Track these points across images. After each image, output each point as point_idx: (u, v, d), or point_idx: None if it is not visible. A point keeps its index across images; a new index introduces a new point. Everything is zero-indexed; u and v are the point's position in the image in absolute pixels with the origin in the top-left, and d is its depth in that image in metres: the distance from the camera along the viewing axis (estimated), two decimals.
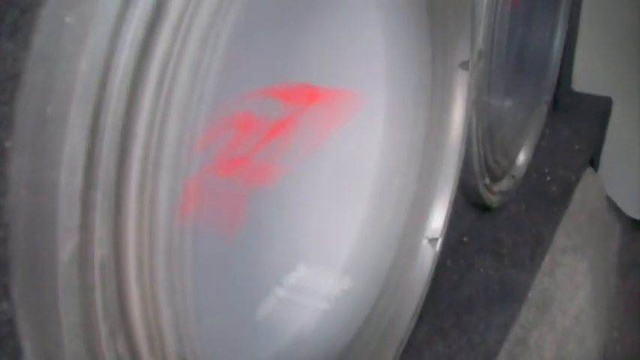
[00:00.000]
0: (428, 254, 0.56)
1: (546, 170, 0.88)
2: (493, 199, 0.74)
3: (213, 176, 0.38)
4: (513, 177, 0.81)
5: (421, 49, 0.52)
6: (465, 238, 0.72)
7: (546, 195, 0.84)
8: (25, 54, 0.22)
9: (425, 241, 0.57)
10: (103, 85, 0.22)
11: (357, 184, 0.53)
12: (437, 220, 0.57)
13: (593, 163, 1.02)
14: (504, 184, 0.78)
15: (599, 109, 1.05)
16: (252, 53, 0.37)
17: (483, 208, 0.75)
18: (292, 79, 0.44)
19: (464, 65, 0.56)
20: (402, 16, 0.50)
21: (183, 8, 0.25)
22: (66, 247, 0.22)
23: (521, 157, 0.84)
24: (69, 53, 0.22)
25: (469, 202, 0.73)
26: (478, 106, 0.63)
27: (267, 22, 0.38)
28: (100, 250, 0.23)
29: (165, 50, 0.24)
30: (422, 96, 0.54)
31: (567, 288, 0.75)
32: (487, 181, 0.70)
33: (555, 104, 1.01)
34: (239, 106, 0.39)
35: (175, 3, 0.25)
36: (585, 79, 1.07)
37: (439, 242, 0.57)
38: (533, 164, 0.86)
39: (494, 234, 0.74)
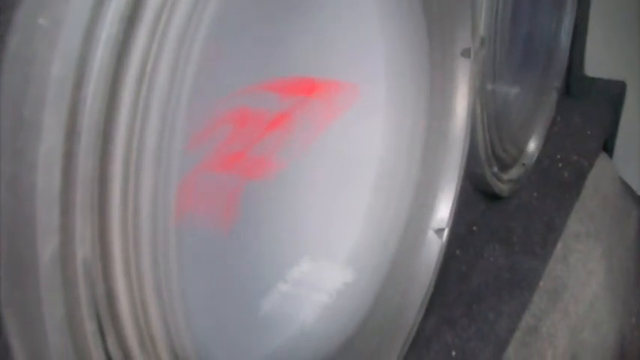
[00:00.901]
0: (434, 245, 0.56)
1: (558, 157, 0.87)
2: (503, 188, 0.74)
3: (210, 172, 0.38)
4: (524, 165, 0.80)
5: (419, 38, 0.52)
6: (474, 228, 0.71)
7: (558, 182, 0.83)
8: (1, 56, 0.22)
9: (431, 232, 0.56)
10: (78, 86, 0.22)
11: (359, 175, 0.53)
12: (443, 210, 0.57)
13: (607, 148, 1.01)
14: (514, 172, 0.78)
15: (613, 94, 1.04)
16: (242, 48, 0.38)
17: (494, 196, 0.74)
18: (289, 73, 0.44)
19: (465, 53, 0.55)
20: (398, 5, 0.49)
21: (161, 5, 0.25)
22: (47, 248, 0.22)
23: (532, 145, 0.83)
24: (42, 55, 0.22)
25: (479, 191, 0.72)
26: (483, 95, 0.63)
27: (257, 16, 0.38)
28: (82, 250, 0.24)
29: (142, 49, 0.24)
30: (422, 85, 0.53)
31: (580, 274, 0.74)
32: (495, 169, 0.70)
33: (567, 89, 1.00)
34: (236, 101, 0.40)
35: (152, 0, 0.25)
36: (598, 64, 1.05)
37: (446, 232, 0.57)
38: (544, 151, 0.85)
39: (504, 222, 0.74)
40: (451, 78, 0.55)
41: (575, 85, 1.01)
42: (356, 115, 0.50)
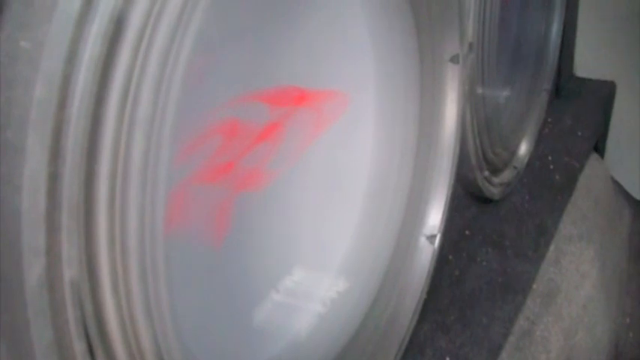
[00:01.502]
0: (426, 251, 0.56)
1: (549, 158, 0.87)
2: (494, 191, 0.74)
3: (201, 184, 0.38)
4: (515, 168, 0.80)
5: (408, 45, 0.52)
6: (467, 232, 0.72)
7: (550, 184, 0.83)
8: None
9: (423, 239, 0.57)
10: (61, 107, 0.22)
11: (350, 184, 0.53)
12: (434, 216, 0.57)
13: (598, 148, 1.01)
14: (506, 176, 0.78)
15: (603, 94, 1.04)
16: (230, 59, 0.37)
17: (485, 200, 0.74)
18: (278, 83, 0.44)
19: (454, 59, 0.55)
20: (387, 12, 0.49)
21: (144, 22, 0.25)
22: (33, 271, 0.22)
23: (523, 148, 0.83)
24: (25, 78, 0.22)
25: (470, 195, 0.72)
26: (472, 100, 0.63)
27: (244, 27, 0.38)
28: (69, 271, 0.23)
29: (126, 67, 0.24)
30: (411, 92, 0.53)
31: (573, 277, 0.74)
32: (487, 173, 0.70)
33: (558, 91, 1.00)
34: (225, 112, 0.39)
35: (135, 19, 0.25)
36: (588, 64, 1.06)
37: (438, 239, 0.57)
38: (535, 153, 0.85)
39: (496, 226, 0.74)
40: (441, 84, 0.56)
41: (565, 87, 1.02)
42: (346, 123, 0.50)
